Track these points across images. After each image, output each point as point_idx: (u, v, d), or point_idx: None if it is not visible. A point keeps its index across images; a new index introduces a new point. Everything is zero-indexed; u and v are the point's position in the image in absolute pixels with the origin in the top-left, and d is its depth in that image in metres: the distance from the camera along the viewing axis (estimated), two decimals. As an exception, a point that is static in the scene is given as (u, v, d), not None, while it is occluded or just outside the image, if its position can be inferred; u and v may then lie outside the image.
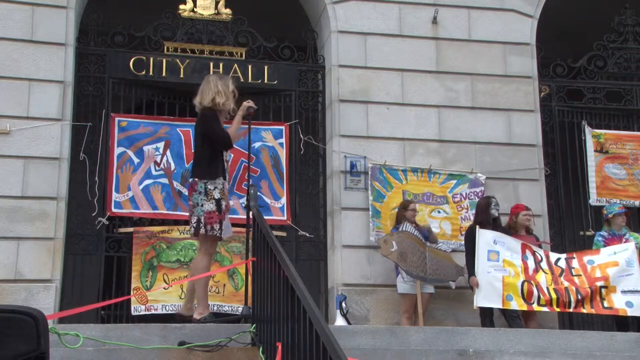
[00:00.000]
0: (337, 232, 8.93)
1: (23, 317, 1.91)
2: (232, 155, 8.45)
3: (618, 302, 7.71)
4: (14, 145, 8.43)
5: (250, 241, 5.79)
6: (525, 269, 7.84)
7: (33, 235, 8.23)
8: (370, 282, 8.79)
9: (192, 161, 6.42)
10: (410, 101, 9.43)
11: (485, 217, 8.22)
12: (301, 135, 9.36)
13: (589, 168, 9.75)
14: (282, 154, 9.26)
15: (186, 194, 9.04)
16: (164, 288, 8.46)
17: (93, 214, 8.69)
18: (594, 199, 9.66)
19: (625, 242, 8.19)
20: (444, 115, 9.46)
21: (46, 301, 7.98)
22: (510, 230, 8.42)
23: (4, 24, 8.74)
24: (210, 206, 6.00)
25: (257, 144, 9.13)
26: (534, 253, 8.01)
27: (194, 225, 6.05)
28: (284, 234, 9.03)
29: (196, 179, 6.06)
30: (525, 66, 9.80)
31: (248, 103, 6.55)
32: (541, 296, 7.69)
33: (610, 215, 8.62)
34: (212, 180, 6.04)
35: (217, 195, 6.04)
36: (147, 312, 8.42)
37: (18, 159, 8.41)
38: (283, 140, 9.30)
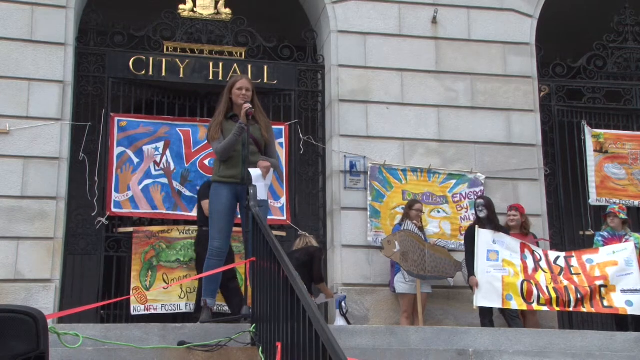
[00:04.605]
0: (336, 232, 8.93)
1: (23, 317, 1.91)
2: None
3: (618, 301, 7.70)
4: (13, 145, 8.43)
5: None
6: (525, 268, 7.84)
7: (33, 235, 8.23)
8: (370, 282, 8.78)
9: None
10: (410, 101, 9.43)
11: (476, 217, 8.33)
12: (301, 135, 9.36)
13: (588, 168, 9.75)
14: (282, 154, 9.25)
15: (186, 193, 9.07)
16: (164, 288, 8.46)
17: (93, 214, 8.70)
18: (593, 199, 9.66)
19: (625, 242, 8.18)
20: (443, 115, 9.46)
21: (46, 301, 7.97)
22: (508, 229, 8.41)
23: (4, 24, 8.74)
24: None
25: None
26: (532, 252, 8.01)
27: None
28: (283, 233, 9.04)
29: None
30: (525, 66, 9.80)
31: (245, 105, 6.55)
32: (541, 295, 7.68)
33: (605, 212, 8.62)
34: None
35: None
36: (146, 312, 8.42)
37: (18, 159, 8.41)
38: (283, 140, 9.29)
